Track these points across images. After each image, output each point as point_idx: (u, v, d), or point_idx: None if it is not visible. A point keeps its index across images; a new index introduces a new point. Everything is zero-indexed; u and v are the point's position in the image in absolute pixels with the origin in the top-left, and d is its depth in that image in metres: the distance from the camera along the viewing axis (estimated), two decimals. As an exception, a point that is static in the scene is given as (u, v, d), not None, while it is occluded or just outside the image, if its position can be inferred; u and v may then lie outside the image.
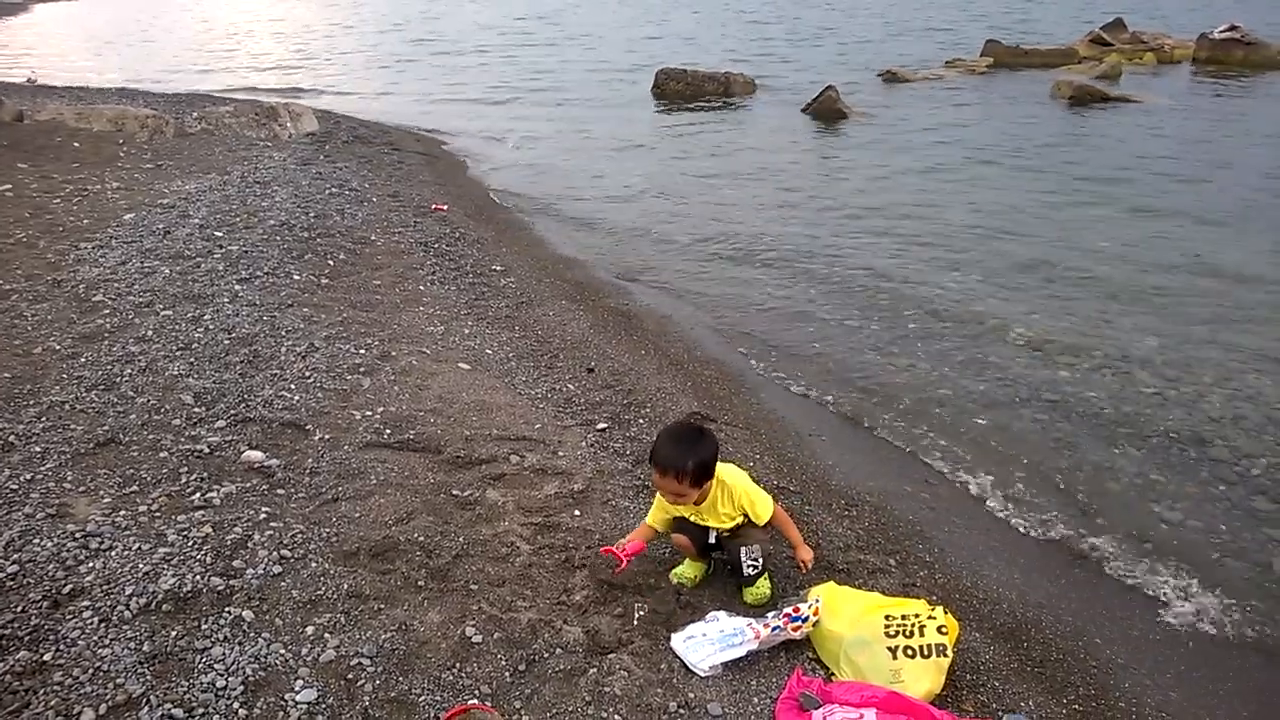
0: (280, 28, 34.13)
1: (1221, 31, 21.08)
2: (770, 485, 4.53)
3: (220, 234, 7.90)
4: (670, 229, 9.96)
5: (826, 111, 15.78)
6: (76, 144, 11.50)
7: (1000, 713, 3.10)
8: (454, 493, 4.21)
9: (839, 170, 12.50)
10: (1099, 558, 4.34)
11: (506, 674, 3.12)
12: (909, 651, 3.17)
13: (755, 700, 3.10)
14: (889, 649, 3.18)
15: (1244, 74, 19.42)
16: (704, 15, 32.33)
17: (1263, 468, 5.02)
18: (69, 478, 4.13)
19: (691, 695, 3.08)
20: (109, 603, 3.29)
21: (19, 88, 16.88)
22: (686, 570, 3.72)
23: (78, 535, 3.68)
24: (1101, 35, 22.92)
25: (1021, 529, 4.58)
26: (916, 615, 3.28)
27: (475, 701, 2.90)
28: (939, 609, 3.31)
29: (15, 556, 3.52)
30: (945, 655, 3.17)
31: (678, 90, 18.51)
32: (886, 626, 3.25)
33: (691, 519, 3.56)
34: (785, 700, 3.06)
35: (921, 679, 3.11)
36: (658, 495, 3.58)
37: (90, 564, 3.50)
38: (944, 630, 3.21)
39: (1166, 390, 5.91)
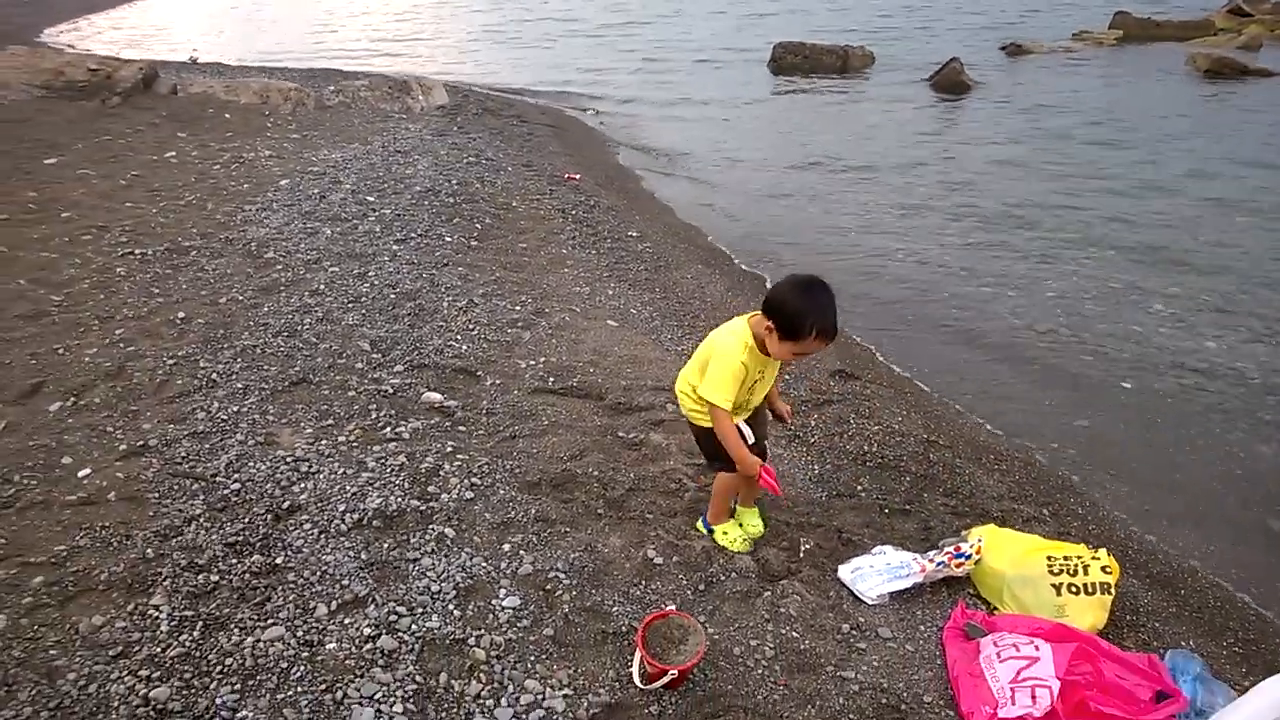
0: (393, 5, 35.02)
1: (1377, -4, 19.81)
2: (920, 439, 4.65)
3: (372, 199, 8.32)
4: (797, 199, 10.04)
5: (950, 84, 15.50)
6: (227, 115, 12.19)
7: (1161, 650, 3.16)
8: (620, 434, 4.44)
9: (967, 143, 12.29)
10: (1256, 519, 4.34)
11: (688, 592, 3.34)
12: (1073, 589, 3.25)
13: (922, 628, 3.24)
14: (1053, 585, 3.27)
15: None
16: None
17: None
18: (271, 411, 4.52)
19: (862, 620, 3.25)
20: (325, 518, 3.63)
21: (169, 64, 17.79)
22: (752, 526, 3.72)
23: (288, 459, 4.05)
24: (1240, 5, 21.73)
25: (1171, 487, 4.59)
26: (1079, 556, 3.36)
27: (673, 608, 3.12)
28: (1101, 551, 3.39)
29: (236, 476, 3.91)
30: (1109, 593, 3.25)
31: (795, 64, 18.41)
32: (1050, 565, 3.34)
33: (758, 382, 3.36)
34: (951, 629, 3.19)
35: (1085, 614, 3.21)
36: (737, 371, 3.21)
37: (302, 485, 3.86)
38: (1108, 570, 3.30)
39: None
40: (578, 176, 10.03)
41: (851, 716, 2.78)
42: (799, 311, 3.05)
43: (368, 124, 12.29)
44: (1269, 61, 16.74)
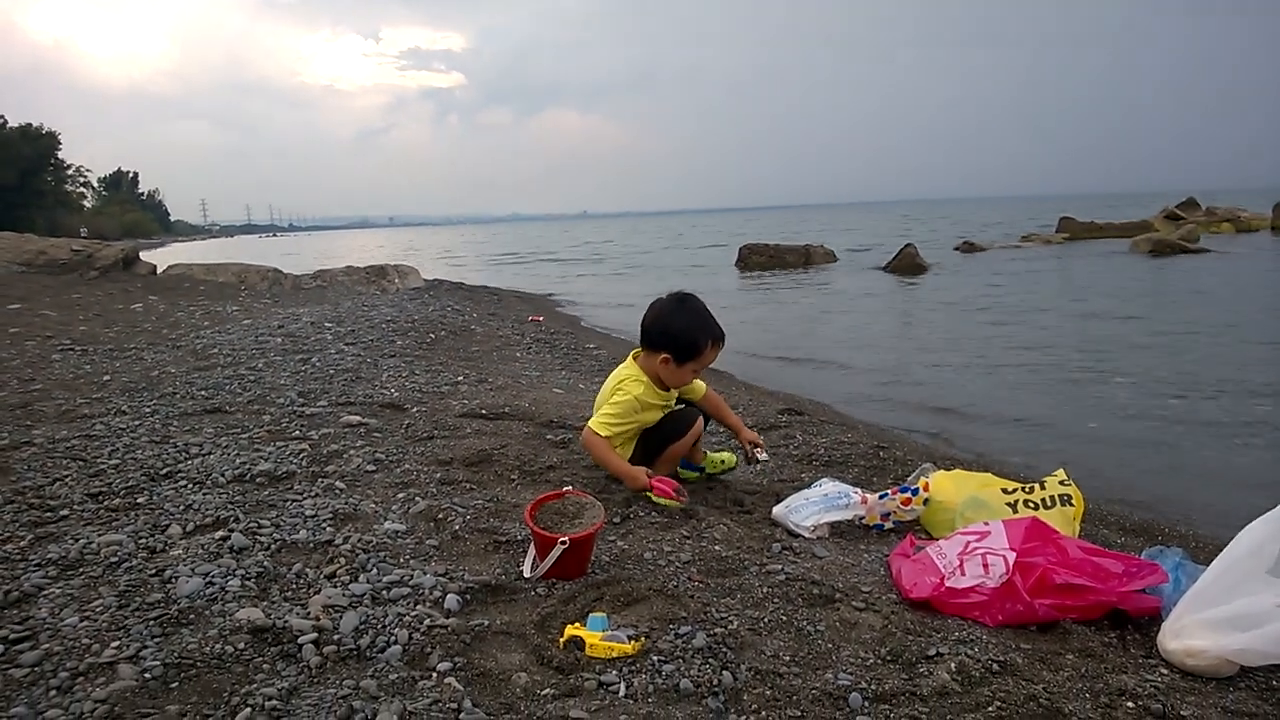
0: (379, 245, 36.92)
1: (1299, 200, 21.29)
2: (869, 445, 4.34)
3: (329, 324, 8.30)
4: (759, 345, 9.94)
5: (907, 266, 16.13)
6: (202, 287, 12.45)
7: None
8: (548, 437, 4.13)
9: (924, 310, 12.53)
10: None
11: (602, 524, 2.93)
12: (1030, 505, 2.89)
13: (866, 557, 2.82)
14: (1008, 504, 2.91)
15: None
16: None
17: None
18: (174, 425, 4.22)
19: (796, 544, 2.85)
20: (203, 477, 3.27)
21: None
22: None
23: (179, 445, 3.73)
24: (1175, 211, 23.23)
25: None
26: (1037, 480, 3.04)
27: (570, 488, 2.73)
28: (1059, 470, 3.05)
29: (118, 458, 3.56)
30: (1070, 504, 2.87)
31: (760, 262, 19.23)
32: (1003, 490, 3.01)
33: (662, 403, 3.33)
34: (897, 554, 2.77)
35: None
36: (630, 405, 3.19)
37: (189, 462, 3.51)
38: (1066, 483, 2.95)
39: None
40: (541, 319, 10.10)
41: (777, 602, 2.33)
42: (686, 330, 3.11)
43: (341, 297, 12.52)
44: (1207, 245, 17.63)
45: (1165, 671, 2.03)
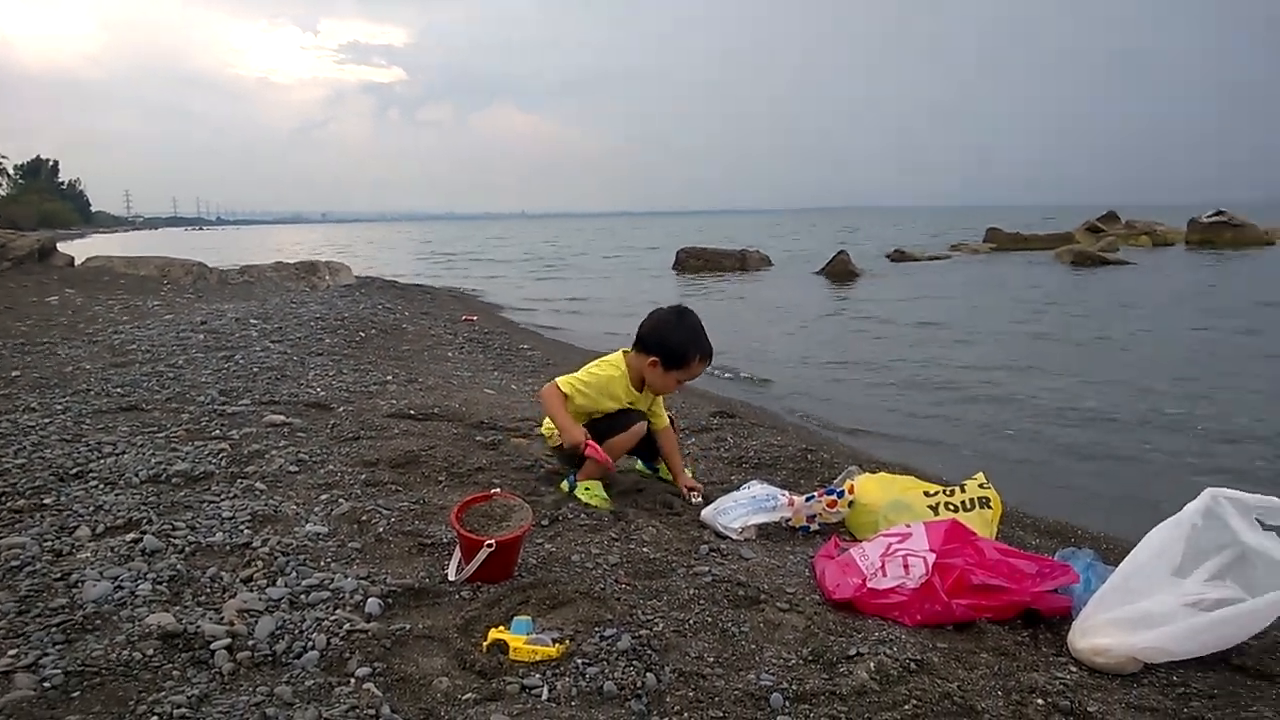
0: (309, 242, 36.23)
1: (1209, 216, 22.29)
2: (798, 448, 4.38)
3: (255, 321, 8.09)
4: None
5: (839, 272, 16.43)
6: (123, 281, 12.05)
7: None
8: (477, 438, 4.10)
9: (855, 312, 12.74)
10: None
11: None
12: (950, 507, 2.98)
13: (791, 558, 2.86)
14: (930, 506, 2.99)
15: (1232, 251, 20.52)
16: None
17: None
18: (87, 423, 4.07)
19: (724, 546, 2.87)
20: (115, 476, 3.16)
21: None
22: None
23: (91, 444, 3.60)
24: (1096, 224, 24.08)
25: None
26: (958, 484, 3.13)
27: (497, 490, 2.70)
28: (978, 474, 3.14)
29: (24, 457, 3.42)
30: (989, 507, 2.97)
31: (697, 266, 19.35)
32: (925, 493, 3.09)
33: (636, 405, 3.45)
34: (822, 556, 2.81)
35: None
36: (602, 383, 3.33)
37: (101, 462, 3.39)
38: (985, 486, 3.04)
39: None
40: (475, 318, 10.01)
41: (702, 603, 2.34)
42: (681, 343, 3.25)
43: (269, 293, 12.22)
44: (1124, 256, 18.38)
45: (1074, 669, 2.09)
